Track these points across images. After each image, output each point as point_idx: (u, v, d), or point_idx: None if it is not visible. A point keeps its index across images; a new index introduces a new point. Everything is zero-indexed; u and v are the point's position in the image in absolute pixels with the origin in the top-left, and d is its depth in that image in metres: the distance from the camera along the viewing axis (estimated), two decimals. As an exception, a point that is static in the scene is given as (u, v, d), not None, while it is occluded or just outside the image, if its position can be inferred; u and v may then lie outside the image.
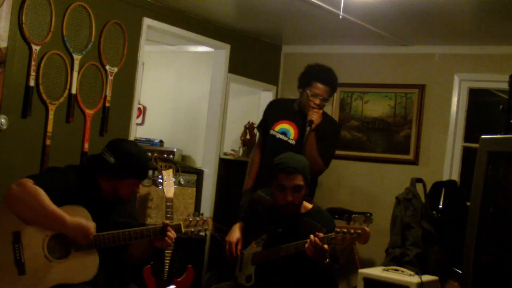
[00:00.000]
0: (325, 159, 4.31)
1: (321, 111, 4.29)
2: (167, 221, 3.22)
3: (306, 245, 3.19)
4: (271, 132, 4.45)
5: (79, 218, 2.98)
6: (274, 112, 4.56)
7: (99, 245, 3.04)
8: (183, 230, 3.20)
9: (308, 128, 4.22)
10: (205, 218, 3.26)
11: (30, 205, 2.92)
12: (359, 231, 3.12)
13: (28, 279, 2.93)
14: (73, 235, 2.97)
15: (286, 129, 4.43)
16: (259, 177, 4.46)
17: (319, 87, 4.28)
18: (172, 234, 3.13)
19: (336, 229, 3.18)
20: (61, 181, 3.08)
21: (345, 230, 3.14)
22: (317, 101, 4.27)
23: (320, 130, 4.26)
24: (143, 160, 3.24)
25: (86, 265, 3.03)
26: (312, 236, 3.19)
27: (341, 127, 4.37)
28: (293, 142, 4.35)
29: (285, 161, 3.44)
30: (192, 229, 3.23)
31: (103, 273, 3.13)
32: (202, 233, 3.38)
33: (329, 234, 3.18)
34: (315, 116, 4.23)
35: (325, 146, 4.29)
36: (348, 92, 6.05)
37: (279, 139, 4.39)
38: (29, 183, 2.95)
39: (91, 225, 2.99)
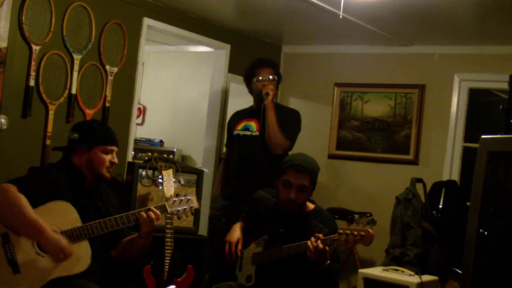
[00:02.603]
0: (289, 134, 4.49)
1: (274, 89, 4.55)
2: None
3: (309, 249, 3.19)
4: (235, 132, 4.69)
5: (60, 236, 3.00)
6: (235, 119, 4.82)
7: (89, 235, 3.09)
8: (168, 209, 3.32)
9: (265, 97, 4.48)
10: (189, 197, 3.38)
11: (11, 213, 2.96)
12: (363, 233, 3.12)
13: (23, 277, 2.95)
14: (49, 248, 2.99)
15: (248, 125, 4.66)
16: (231, 179, 4.70)
17: (261, 71, 4.61)
18: (155, 212, 3.22)
19: (339, 230, 3.17)
20: (43, 179, 3.14)
21: (348, 231, 3.14)
22: (265, 83, 4.56)
23: (280, 115, 4.49)
24: (103, 126, 3.42)
25: (79, 256, 3.07)
26: (313, 238, 3.19)
27: (300, 115, 4.73)
28: (256, 133, 4.56)
29: (296, 159, 3.48)
30: (178, 208, 3.34)
31: (98, 263, 3.19)
32: (190, 212, 3.49)
33: (332, 236, 3.18)
34: (269, 88, 4.51)
35: (286, 125, 4.51)
36: (348, 92, 6.05)
37: (244, 135, 4.62)
38: (13, 189, 2.98)
39: (69, 249, 3.00)
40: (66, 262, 3.03)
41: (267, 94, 4.48)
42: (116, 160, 3.36)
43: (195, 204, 3.41)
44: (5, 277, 2.94)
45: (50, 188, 3.10)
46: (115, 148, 3.37)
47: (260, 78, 4.59)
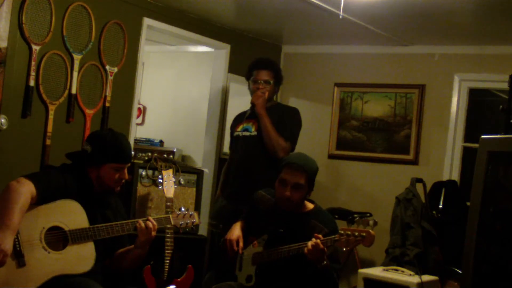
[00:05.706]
0: (288, 135, 4.47)
1: (263, 94, 4.53)
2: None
3: (307, 247, 3.19)
4: (235, 134, 4.69)
5: (10, 242, 2.86)
6: (235, 121, 4.83)
7: (94, 236, 3.12)
8: (172, 222, 3.43)
9: (250, 111, 4.58)
10: (191, 213, 3.51)
11: (4, 202, 2.91)
12: (364, 234, 3.12)
13: (28, 271, 2.96)
14: None
15: (247, 126, 4.65)
16: (233, 179, 4.64)
17: (258, 73, 4.62)
18: (152, 222, 3.25)
19: (340, 231, 3.17)
20: (58, 180, 3.14)
21: (349, 232, 3.13)
22: (260, 86, 4.57)
23: (278, 115, 4.51)
24: (117, 143, 3.28)
25: (84, 257, 3.10)
26: (314, 239, 3.19)
27: (299, 112, 4.68)
28: (255, 133, 4.56)
29: (292, 158, 3.52)
30: (181, 222, 3.47)
31: (100, 265, 3.21)
32: (190, 227, 3.64)
33: (333, 236, 3.18)
34: (255, 98, 4.53)
35: (285, 126, 4.50)
36: (348, 92, 6.05)
37: (243, 136, 4.62)
38: (26, 189, 2.95)
39: (4, 257, 2.86)
40: (70, 262, 3.04)
41: (253, 104, 4.50)
42: (126, 176, 3.30)
43: (196, 220, 3.53)
44: (10, 269, 2.94)
45: (61, 189, 3.11)
46: (126, 165, 3.31)
47: (255, 80, 4.59)
